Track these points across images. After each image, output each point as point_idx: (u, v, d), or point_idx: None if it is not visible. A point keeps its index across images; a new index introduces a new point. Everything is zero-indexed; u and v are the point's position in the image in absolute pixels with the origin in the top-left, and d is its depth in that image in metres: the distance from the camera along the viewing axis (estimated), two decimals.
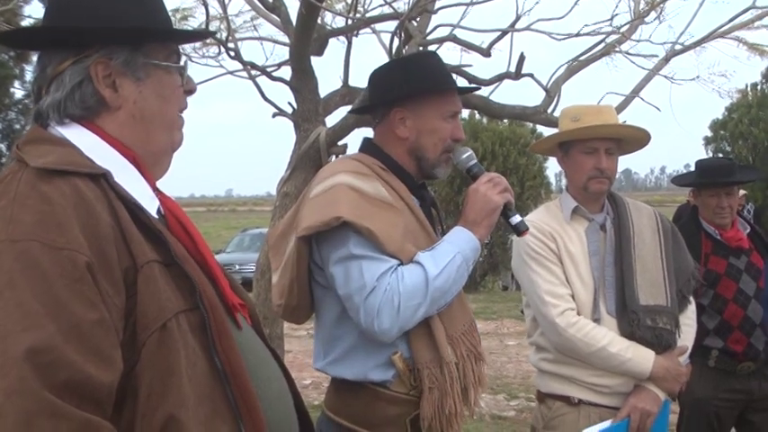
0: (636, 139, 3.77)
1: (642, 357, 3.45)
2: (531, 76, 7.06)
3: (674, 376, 3.50)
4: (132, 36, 1.82)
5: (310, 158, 6.56)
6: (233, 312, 1.84)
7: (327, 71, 7.44)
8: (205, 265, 1.83)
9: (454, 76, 6.93)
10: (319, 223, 2.70)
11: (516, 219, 2.91)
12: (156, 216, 1.79)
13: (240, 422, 1.67)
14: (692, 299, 3.76)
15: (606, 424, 3.44)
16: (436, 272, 2.69)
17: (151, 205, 1.79)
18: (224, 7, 7.34)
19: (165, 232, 1.73)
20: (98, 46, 1.78)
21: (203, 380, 1.65)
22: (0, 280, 1.47)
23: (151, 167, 1.87)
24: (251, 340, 1.90)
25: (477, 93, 7.09)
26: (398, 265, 2.71)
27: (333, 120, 6.96)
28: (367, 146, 3.03)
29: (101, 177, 1.67)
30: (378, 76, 3.05)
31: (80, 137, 1.76)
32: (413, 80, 2.94)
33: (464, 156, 2.97)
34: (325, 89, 7.04)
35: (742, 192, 12.53)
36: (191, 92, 1.98)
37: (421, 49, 6.73)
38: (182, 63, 1.93)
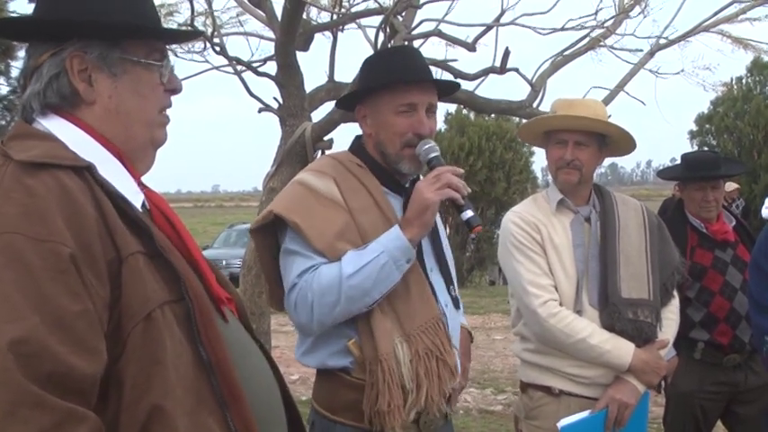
0: (620, 138, 3.77)
1: (621, 350, 3.48)
2: (517, 70, 7.08)
3: (654, 369, 3.53)
4: (109, 31, 1.82)
5: (296, 154, 6.56)
6: (219, 305, 1.85)
7: (313, 66, 7.42)
8: (191, 257, 1.83)
9: (439, 71, 6.97)
10: (261, 218, 2.84)
11: (468, 214, 2.82)
12: (141, 209, 1.79)
13: (226, 411, 1.68)
14: (675, 293, 3.79)
15: (584, 414, 3.49)
16: (351, 271, 2.69)
17: (136, 199, 1.80)
18: (209, 3, 7.34)
19: (150, 224, 1.74)
20: (75, 39, 1.79)
21: (189, 370, 1.65)
22: None
23: (134, 162, 1.87)
24: (237, 333, 1.90)
25: (463, 87, 7.10)
26: (324, 263, 2.75)
27: (318, 115, 6.98)
28: (353, 143, 3.09)
29: (84, 170, 1.68)
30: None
31: (65, 131, 1.77)
32: (369, 77, 3.00)
33: (424, 147, 2.90)
34: (310, 84, 7.05)
35: (735, 186, 12.54)
36: (174, 90, 1.97)
37: (406, 43, 6.74)
38: (163, 62, 1.91)
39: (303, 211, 2.77)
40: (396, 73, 2.94)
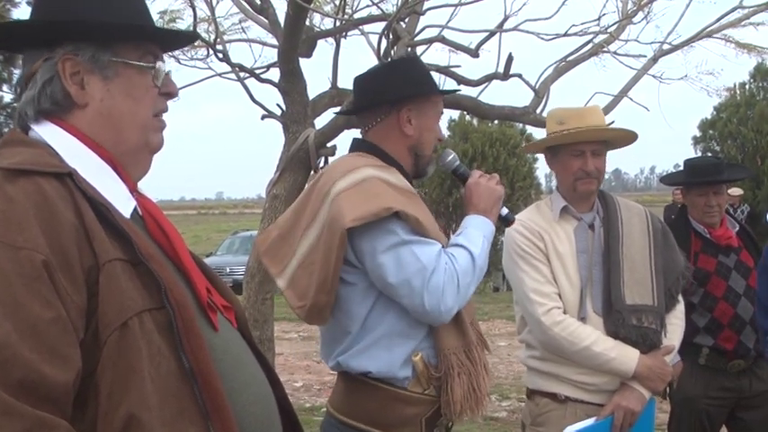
0: (622, 138, 3.80)
1: (626, 356, 3.48)
2: (520, 76, 7.07)
3: (659, 375, 3.53)
4: (98, 32, 1.81)
5: (299, 160, 6.55)
6: (208, 313, 1.82)
7: (316, 73, 7.43)
8: (180, 265, 1.82)
9: (442, 77, 6.99)
10: (369, 214, 2.72)
11: (505, 210, 3.09)
12: (130, 216, 1.78)
13: (209, 422, 1.65)
14: (680, 298, 3.79)
15: (590, 421, 3.48)
16: (479, 252, 2.85)
17: (126, 205, 1.79)
18: (212, 9, 7.33)
19: (135, 231, 1.72)
20: (67, 43, 1.79)
21: (170, 379, 1.63)
22: None
23: (127, 168, 1.86)
24: (230, 342, 1.87)
25: (467, 94, 7.10)
26: (441, 247, 2.83)
27: (322, 121, 6.95)
28: (361, 145, 3.09)
29: (66, 177, 1.67)
30: (371, 79, 3.14)
31: (55, 137, 1.77)
32: (417, 81, 3.07)
33: (449, 158, 3.13)
34: (313, 91, 7.03)
35: (739, 191, 12.50)
36: (170, 95, 1.94)
37: (409, 50, 6.73)
38: (156, 63, 1.89)
39: (407, 205, 2.81)
40: (435, 82, 3.18)
